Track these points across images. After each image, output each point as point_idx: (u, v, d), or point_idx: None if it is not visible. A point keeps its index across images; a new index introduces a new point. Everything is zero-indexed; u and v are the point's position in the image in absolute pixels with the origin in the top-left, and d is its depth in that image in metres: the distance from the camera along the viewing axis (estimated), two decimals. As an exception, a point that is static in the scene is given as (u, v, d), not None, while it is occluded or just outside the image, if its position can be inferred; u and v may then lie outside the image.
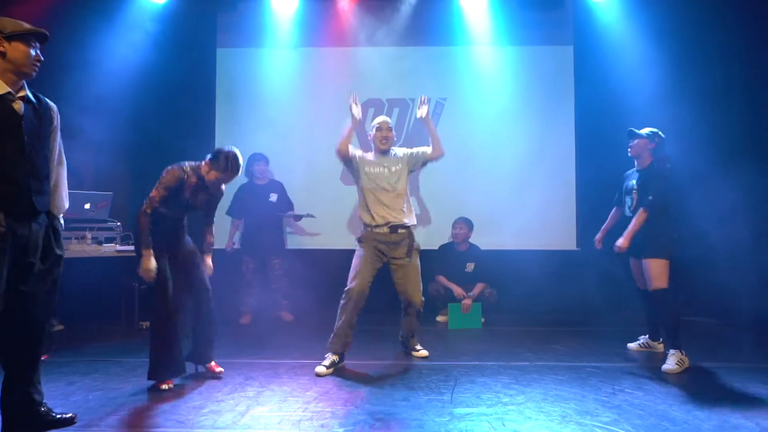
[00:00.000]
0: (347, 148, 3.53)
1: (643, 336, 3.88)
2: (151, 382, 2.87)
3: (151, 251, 2.76)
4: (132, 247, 3.37)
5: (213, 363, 3.07)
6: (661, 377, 3.10)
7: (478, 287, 4.78)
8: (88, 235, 4.20)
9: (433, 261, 4.79)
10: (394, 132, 3.62)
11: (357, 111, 3.54)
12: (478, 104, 5.53)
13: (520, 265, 5.13)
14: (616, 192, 3.87)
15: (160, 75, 5.30)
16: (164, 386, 2.84)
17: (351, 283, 3.39)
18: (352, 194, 5.45)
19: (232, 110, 5.58)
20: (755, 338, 4.15)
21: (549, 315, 5.00)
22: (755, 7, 4.64)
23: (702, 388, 2.91)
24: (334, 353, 3.29)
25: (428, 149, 3.63)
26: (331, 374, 3.16)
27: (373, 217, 3.47)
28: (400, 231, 3.48)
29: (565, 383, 2.96)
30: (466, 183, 5.43)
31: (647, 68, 5.01)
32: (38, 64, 2.22)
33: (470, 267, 4.91)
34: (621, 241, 3.51)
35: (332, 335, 3.34)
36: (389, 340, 3.95)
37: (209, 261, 3.09)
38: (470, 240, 5.00)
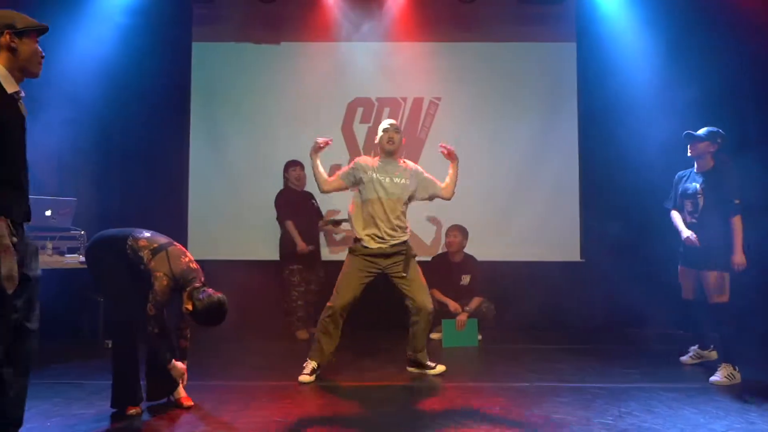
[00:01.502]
0: (333, 181, 3.64)
1: (693, 347, 3.97)
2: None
3: None
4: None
5: (183, 395, 2.95)
6: (670, 398, 3.10)
7: (475, 302, 4.77)
8: (49, 244, 4.15)
9: (425, 273, 4.76)
10: (402, 135, 3.70)
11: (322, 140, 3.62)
12: (474, 104, 5.55)
13: (519, 278, 5.14)
14: (671, 193, 3.90)
15: (131, 71, 5.27)
16: (132, 411, 2.80)
17: (333, 300, 3.52)
18: (339, 199, 5.51)
19: (208, 109, 5.55)
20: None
21: (551, 332, 5.01)
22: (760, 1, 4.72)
23: (712, 410, 2.91)
24: (313, 360, 3.47)
25: (442, 186, 3.73)
26: (318, 397, 3.13)
27: (365, 231, 3.55)
28: (393, 245, 3.56)
29: (568, 406, 2.96)
30: (461, 188, 5.30)
31: (652, 65, 5.08)
32: (42, 61, 2.22)
33: (466, 279, 4.91)
34: (738, 257, 3.49)
35: (313, 344, 3.52)
36: (378, 359, 3.92)
37: (183, 365, 2.92)
38: (465, 250, 5.00)
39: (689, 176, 3.75)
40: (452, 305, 4.73)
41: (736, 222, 3.51)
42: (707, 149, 3.63)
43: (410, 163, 3.76)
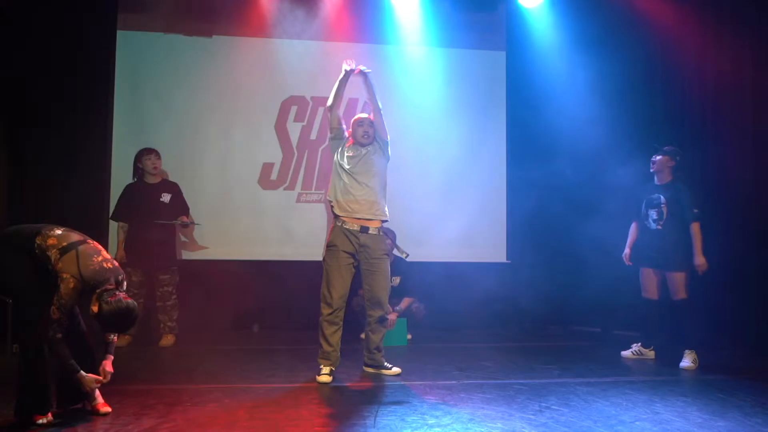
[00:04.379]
0: (339, 108, 3.72)
1: (635, 344, 4.29)
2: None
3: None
4: None
5: (99, 401, 2.77)
6: (586, 392, 3.28)
7: (405, 302, 4.84)
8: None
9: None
10: (374, 128, 3.71)
11: (350, 63, 3.68)
12: (406, 106, 5.61)
13: (448, 278, 5.26)
14: (633, 206, 4.31)
15: (47, 58, 4.92)
16: (40, 420, 2.60)
17: (328, 298, 3.54)
18: (270, 199, 5.43)
19: (133, 102, 5.28)
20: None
21: (478, 330, 5.17)
22: (678, 13, 5.07)
23: (623, 402, 3.10)
24: (328, 363, 3.50)
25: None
26: (242, 401, 3.06)
27: (341, 207, 3.55)
28: (371, 232, 3.58)
29: (492, 402, 3.06)
30: (392, 190, 5.27)
31: (578, 76, 5.32)
32: None
33: (396, 281, 4.95)
34: (700, 259, 3.99)
35: (321, 350, 3.54)
36: (305, 360, 3.89)
37: (108, 364, 2.77)
38: (395, 252, 5.05)
39: (651, 188, 4.20)
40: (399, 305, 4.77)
41: (695, 228, 4.01)
42: (667, 164, 4.13)
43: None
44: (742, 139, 4.71)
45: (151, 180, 4.62)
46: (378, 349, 3.69)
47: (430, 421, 2.74)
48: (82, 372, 2.65)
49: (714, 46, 4.90)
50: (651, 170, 4.21)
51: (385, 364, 3.68)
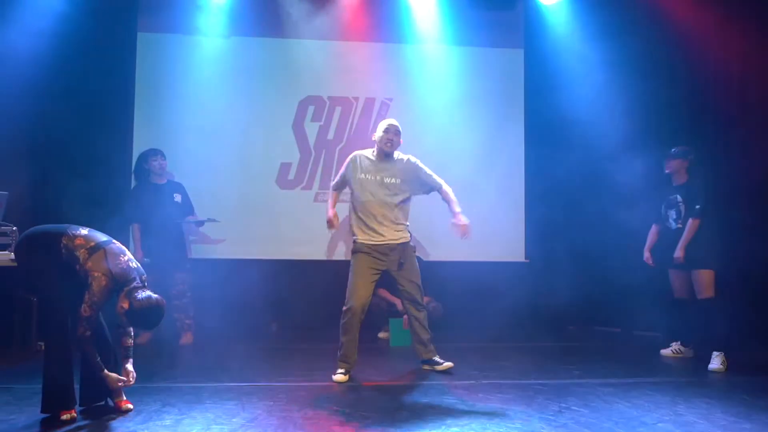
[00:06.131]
0: (335, 198, 3.83)
1: (675, 342, 4.27)
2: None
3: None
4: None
5: (122, 398, 2.81)
6: (607, 393, 3.23)
7: (423, 301, 4.81)
8: (-23, 241, 3.89)
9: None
10: (401, 137, 3.71)
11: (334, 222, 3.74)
12: (425, 106, 5.60)
13: (466, 278, 5.22)
14: (654, 208, 4.32)
15: (70, 62, 4.99)
16: (65, 416, 2.65)
17: (349, 302, 3.52)
18: (288, 198, 5.46)
19: (153, 103, 5.34)
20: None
21: (496, 330, 5.12)
22: (698, 10, 4.99)
23: (645, 403, 3.05)
24: (345, 364, 3.51)
25: (441, 189, 3.80)
26: (262, 399, 3.08)
27: (362, 232, 3.59)
28: (390, 243, 3.61)
29: (511, 402, 3.04)
30: None
31: (598, 73, 5.26)
32: None
33: (414, 279, 4.95)
34: (678, 252, 4.01)
35: (340, 353, 3.54)
36: (323, 358, 3.90)
37: (129, 366, 2.82)
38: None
39: (669, 190, 4.23)
40: (400, 305, 4.76)
41: (692, 223, 4.02)
42: (681, 165, 4.14)
43: (409, 160, 3.74)
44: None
45: (159, 181, 4.69)
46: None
47: (447, 421, 2.72)
48: (107, 371, 2.71)
49: (736, 37, 4.79)
50: (666, 171, 4.22)
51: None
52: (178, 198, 4.70)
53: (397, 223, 3.65)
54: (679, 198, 4.13)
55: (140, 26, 5.38)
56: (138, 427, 2.60)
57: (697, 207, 4.00)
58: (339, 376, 3.45)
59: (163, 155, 4.68)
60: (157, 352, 4.21)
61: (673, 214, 4.17)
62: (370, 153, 3.72)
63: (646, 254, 4.36)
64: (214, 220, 4.88)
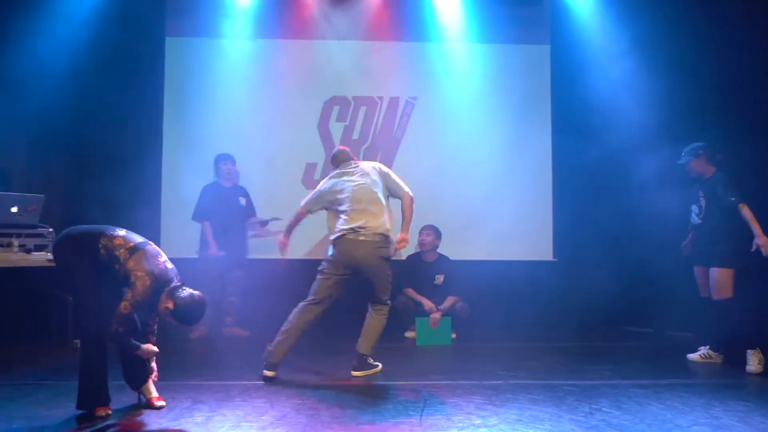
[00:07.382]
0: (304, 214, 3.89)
1: (703, 347, 4.05)
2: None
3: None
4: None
5: (154, 395, 2.89)
6: (639, 395, 3.17)
7: (449, 301, 4.80)
8: (15, 242, 4.02)
9: (400, 272, 4.79)
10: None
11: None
12: (450, 104, 5.58)
13: (493, 277, 5.19)
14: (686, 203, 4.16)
15: (101, 66, 5.14)
16: (100, 412, 2.73)
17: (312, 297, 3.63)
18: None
19: (182, 106, 5.46)
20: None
21: (524, 330, 5.07)
22: (726, 6, 4.86)
23: (679, 405, 2.98)
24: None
25: (401, 197, 3.76)
26: (290, 397, 3.10)
27: (335, 227, 3.61)
28: (361, 238, 3.56)
29: (540, 403, 3.00)
30: (435, 188, 5.42)
31: (626, 68, 5.15)
32: None
33: (439, 279, 4.94)
34: (761, 239, 3.66)
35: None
36: (350, 356, 3.91)
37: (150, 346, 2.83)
38: (440, 250, 5.03)
39: (695, 187, 4.05)
40: (426, 304, 4.76)
41: (745, 211, 3.72)
42: (697, 164, 3.97)
43: (370, 164, 3.81)
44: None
45: (226, 183, 4.93)
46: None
47: (476, 422, 2.71)
48: (141, 345, 2.75)
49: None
50: (692, 176, 4.05)
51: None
52: (243, 201, 4.97)
53: (376, 217, 3.65)
54: (701, 193, 3.97)
55: (168, 31, 5.51)
56: (170, 423, 2.65)
57: (732, 199, 3.75)
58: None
59: (233, 161, 4.94)
60: (191, 349, 4.28)
61: (695, 209, 4.02)
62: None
63: (685, 242, 4.17)
64: (277, 219, 4.99)
